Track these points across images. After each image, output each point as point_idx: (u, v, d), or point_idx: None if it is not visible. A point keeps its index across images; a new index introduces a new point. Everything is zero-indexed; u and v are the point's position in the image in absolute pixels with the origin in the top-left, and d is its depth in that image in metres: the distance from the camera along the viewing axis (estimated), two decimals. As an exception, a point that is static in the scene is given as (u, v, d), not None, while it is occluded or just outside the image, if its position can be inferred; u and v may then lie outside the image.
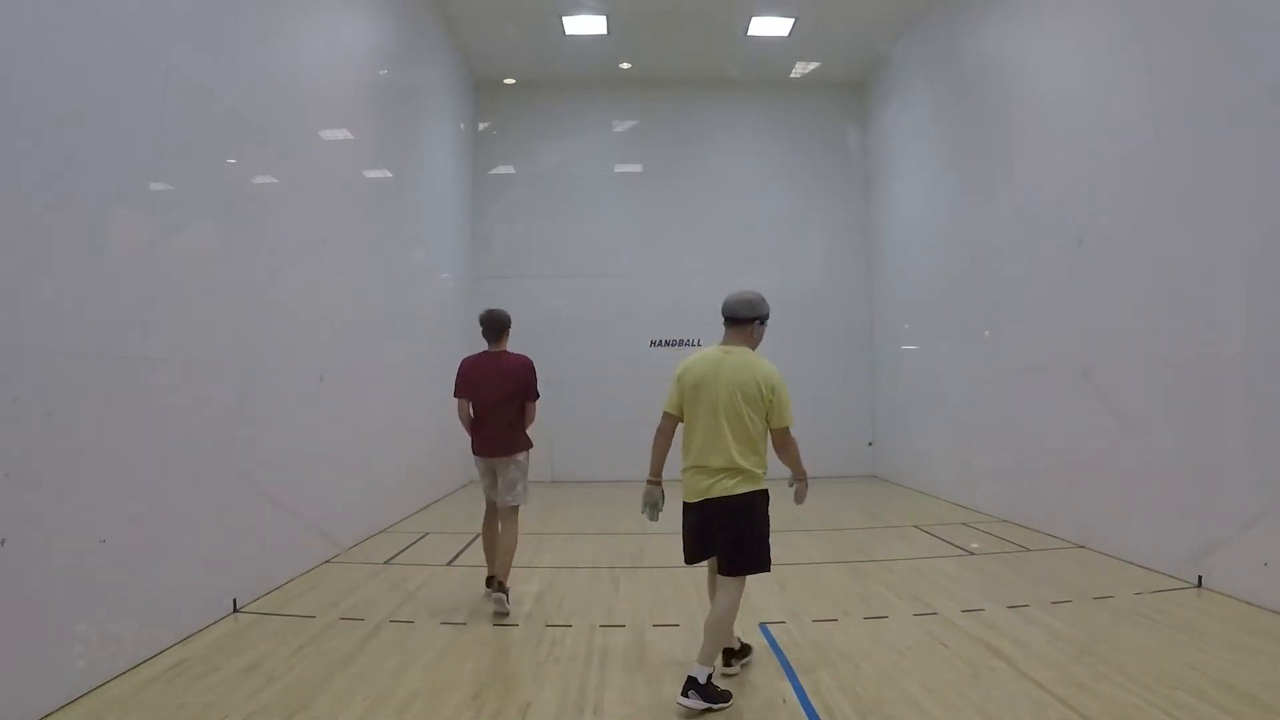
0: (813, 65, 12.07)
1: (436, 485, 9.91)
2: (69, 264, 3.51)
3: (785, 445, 3.69)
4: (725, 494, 3.55)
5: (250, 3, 5.23)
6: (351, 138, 7.21)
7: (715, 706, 3.37)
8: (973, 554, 6.54)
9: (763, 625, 4.56)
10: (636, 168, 12.84)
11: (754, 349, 3.78)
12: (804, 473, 3.81)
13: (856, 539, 7.48)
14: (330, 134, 6.73)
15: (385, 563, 6.30)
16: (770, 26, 10.84)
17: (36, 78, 3.30)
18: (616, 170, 12.85)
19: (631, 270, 12.43)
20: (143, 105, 4.02)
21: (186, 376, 4.38)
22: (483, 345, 5.28)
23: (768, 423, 3.62)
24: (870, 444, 8.61)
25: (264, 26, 5.41)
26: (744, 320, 3.76)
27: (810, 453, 3.88)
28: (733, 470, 3.55)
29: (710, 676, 3.41)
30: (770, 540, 3.65)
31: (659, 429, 3.78)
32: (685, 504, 3.69)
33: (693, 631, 4.42)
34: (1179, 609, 4.73)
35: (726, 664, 3.83)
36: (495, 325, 5.20)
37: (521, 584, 5.51)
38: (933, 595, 5.18)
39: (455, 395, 5.25)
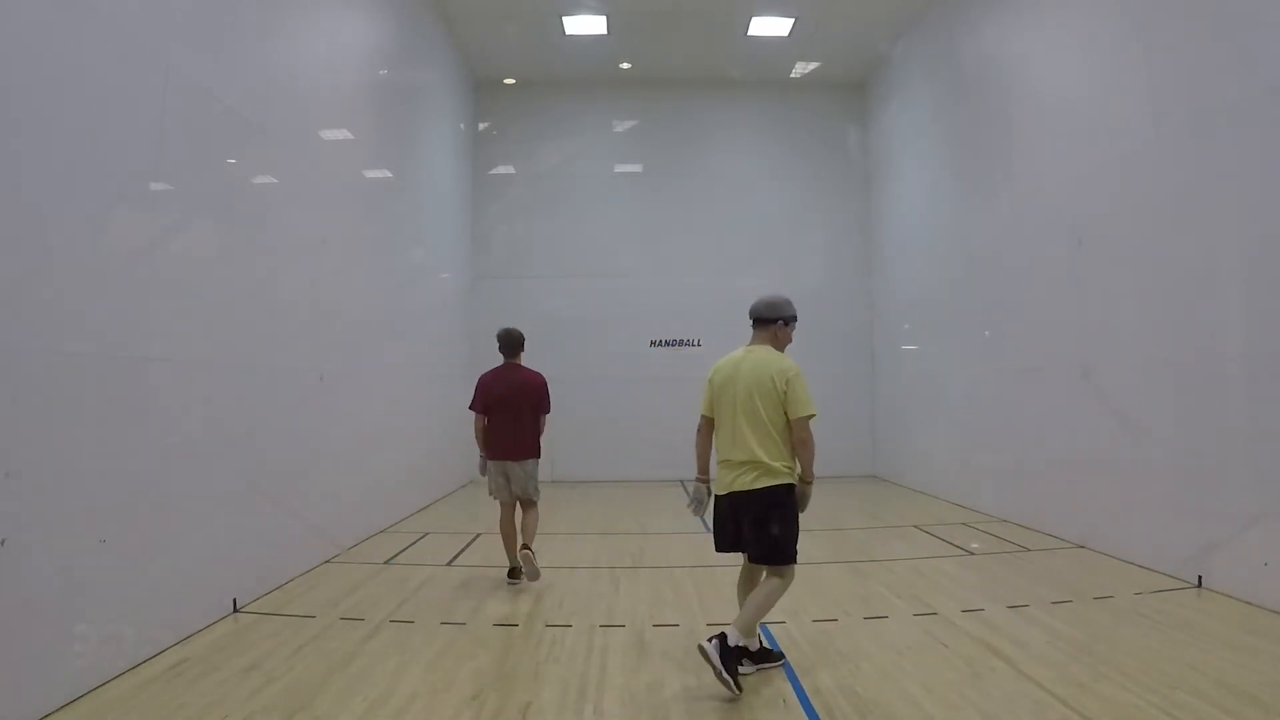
0: (813, 65, 12.06)
1: (436, 485, 9.90)
2: (69, 264, 3.51)
3: (803, 441, 3.77)
4: (745, 488, 3.74)
5: (250, 3, 5.23)
6: (351, 138, 7.21)
7: (724, 674, 3.40)
8: (973, 554, 6.54)
9: (763, 625, 4.55)
10: (636, 168, 12.84)
11: (781, 349, 3.96)
12: (811, 476, 3.85)
13: (856, 539, 7.47)
14: (330, 134, 6.73)
15: (385, 563, 6.30)
16: (770, 26, 10.83)
17: (36, 78, 3.30)
18: (616, 170, 12.84)
19: (632, 270, 12.42)
20: (143, 105, 4.02)
21: (186, 376, 4.38)
22: (496, 360, 5.71)
23: (787, 415, 3.74)
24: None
25: (264, 26, 5.41)
26: (767, 321, 3.99)
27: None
28: (753, 464, 3.73)
29: (738, 654, 3.49)
30: (797, 533, 3.81)
31: (697, 429, 4.03)
32: (715, 496, 3.92)
33: (692, 631, 4.43)
34: (1179, 609, 4.73)
35: (739, 663, 3.83)
36: (512, 343, 5.70)
37: (522, 584, 5.52)
38: (933, 595, 5.18)
39: (473, 409, 5.61)
